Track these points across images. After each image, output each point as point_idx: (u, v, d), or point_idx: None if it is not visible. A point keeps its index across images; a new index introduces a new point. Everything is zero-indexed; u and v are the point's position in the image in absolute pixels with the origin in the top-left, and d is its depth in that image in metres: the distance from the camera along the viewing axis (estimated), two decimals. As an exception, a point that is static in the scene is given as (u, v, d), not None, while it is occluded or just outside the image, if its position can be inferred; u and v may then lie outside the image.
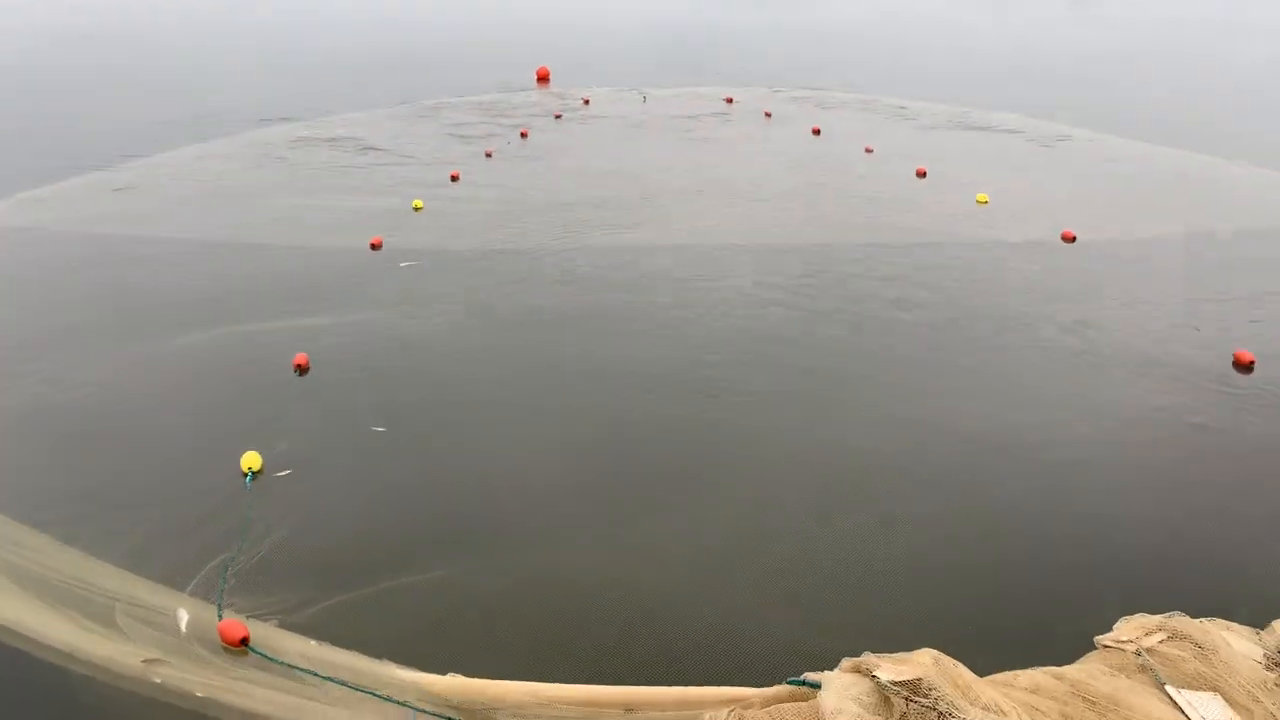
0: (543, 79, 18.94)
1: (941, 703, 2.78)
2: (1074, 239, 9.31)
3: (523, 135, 13.86)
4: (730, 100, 16.52)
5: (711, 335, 7.24)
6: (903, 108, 16.05)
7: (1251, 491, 5.23)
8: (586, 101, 16.44)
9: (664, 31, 28.68)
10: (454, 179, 11.49)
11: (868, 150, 12.98)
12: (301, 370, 6.62)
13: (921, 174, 11.72)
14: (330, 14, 33.54)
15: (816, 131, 14.21)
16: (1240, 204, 10.80)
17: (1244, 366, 6.64)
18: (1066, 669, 3.15)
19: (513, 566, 4.67)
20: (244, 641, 4.09)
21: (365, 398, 6.29)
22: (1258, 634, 3.31)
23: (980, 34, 29.60)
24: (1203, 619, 3.32)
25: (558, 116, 15.23)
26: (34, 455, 5.66)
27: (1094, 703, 2.98)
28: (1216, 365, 6.70)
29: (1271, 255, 9.11)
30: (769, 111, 15.61)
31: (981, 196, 10.67)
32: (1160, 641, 3.19)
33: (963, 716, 2.73)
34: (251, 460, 5.40)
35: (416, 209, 10.28)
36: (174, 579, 4.50)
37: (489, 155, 12.70)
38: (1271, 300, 7.93)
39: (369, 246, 9.07)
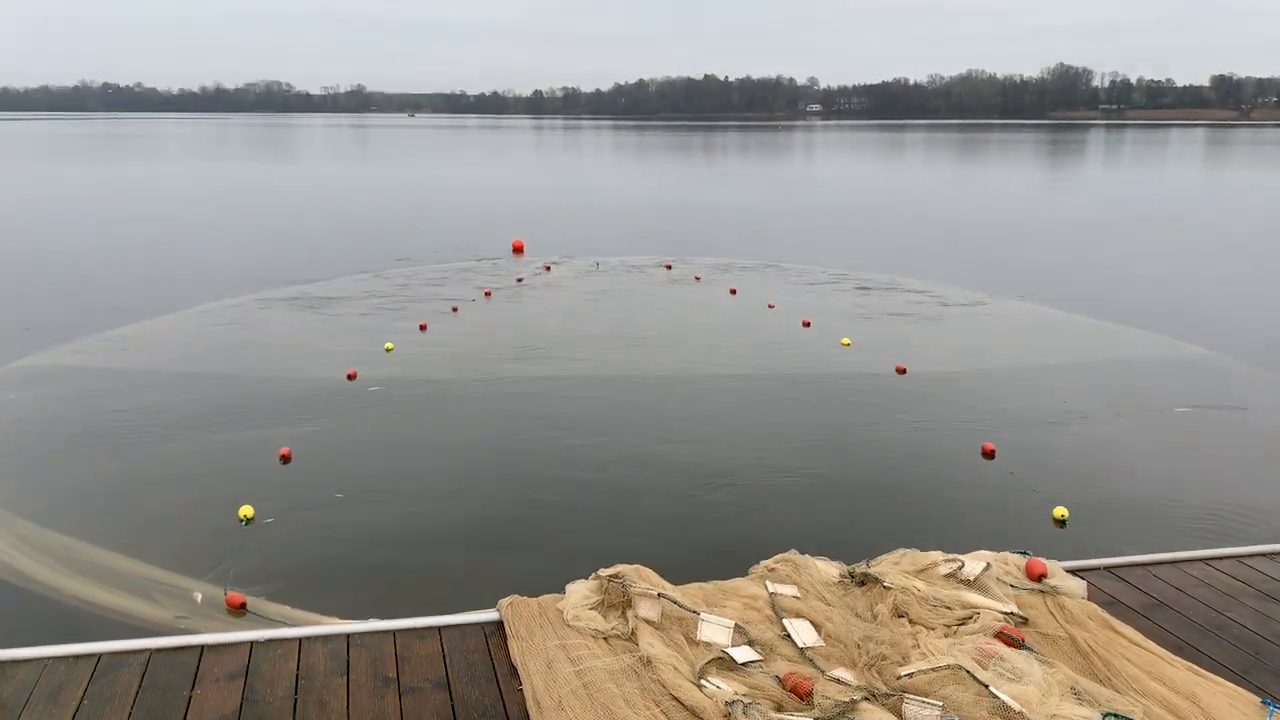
0: (518, 250, 21.82)
1: (626, 580, 4.98)
2: (904, 371, 11.72)
3: (486, 295, 16.49)
4: (669, 266, 19.36)
5: (605, 430, 9.55)
6: (813, 273, 18.82)
7: (906, 503, 7.46)
8: (548, 268, 19.22)
9: (623, 209, 32.15)
10: (422, 328, 13.99)
11: (770, 306, 15.61)
12: (286, 459, 8.88)
13: (806, 324, 14.26)
14: (319, 191, 37.23)
15: (733, 291, 16.90)
16: (1066, 345, 13.32)
17: (987, 454, 8.93)
18: (722, 582, 5.34)
19: (416, 572, 6.87)
20: (243, 605, 6.25)
21: (332, 477, 8.52)
22: (839, 564, 5.50)
23: (929, 209, 33.03)
24: (808, 555, 5.52)
25: (519, 280, 17.94)
26: (79, 513, 7.87)
27: (726, 592, 5.17)
28: (968, 453, 9.01)
29: (1059, 381, 11.51)
30: (699, 275, 18.40)
31: (845, 340, 13.18)
32: (777, 564, 5.40)
33: (631, 584, 4.92)
34: (246, 510, 7.63)
35: (388, 350, 12.72)
36: (188, 574, 6.67)
37: (455, 310, 15.26)
38: (1027, 415, 10.29)
39: (345, 377, 11.44)
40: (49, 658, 4.52)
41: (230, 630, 5.21)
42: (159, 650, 4.62)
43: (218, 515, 7.65)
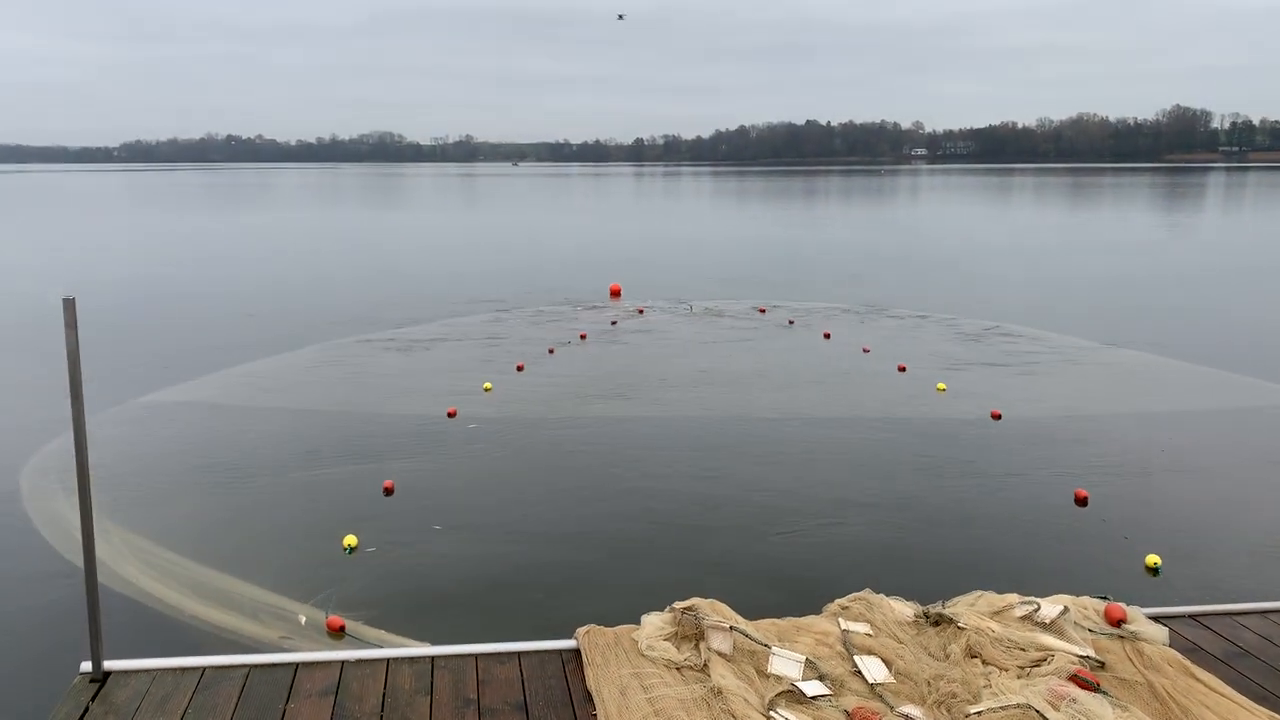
0: (615, 294, 22.21)
1: (699, 613, 5.11)
2: (1000, 416, 11.59)
3: (582, 337, 16.85)
4: (762, 310, 19.49)
5: (689, 469, 9.70)
6: (913, 318, 18.72)
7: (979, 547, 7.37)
8: (640, 311, 19.54)
9: (718, 253, 32.39)
10: (519, 369, 14.38)
11: (865, 350, 15.59)
12: (389, 492, 9.26)
13: (902, 369, 14.20)
14: (424, 237, 38.40)
15: (827, 336, 16.92)
16: (1175, 393, 13.03)
17: (1080, 501, 8.79)
18: (795, 618, 5.42)
19: (503, 600, 7.11)
20: (342, 628, 6.57)
21: (431, 509, 8.86)
22: (913, 604, 5.53)
23: (1037, 254, 32.49)
24: (882, 594, 5.56)
25: (614, 323, 18.28)
26: (196, 538, 8.34)
27: (799, 628, 5.25)
28: (1060, 499, 8.89)
29: (1163, 429, 11.24)
30: (792, 319, 18.48)
31: (940, 385, 13.08)
32: (851, 603, 5.46)
33: (704, 617, 5.05)
34: (350, 540, 8.00)
35: (486, 390, 13.12)
36: (294, 598, 7.04)
37: (551, 352, 15.65)
38: (1124, 462, 10.07)
39: (446, 414, 11.84)
40: (158, 669, 4.85)
41: (324, 650, 5.51)
42: (257, 666, 4.92)
43: (324, 544, 8.04)
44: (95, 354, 15.89)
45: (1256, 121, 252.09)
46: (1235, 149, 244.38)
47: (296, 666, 4.94)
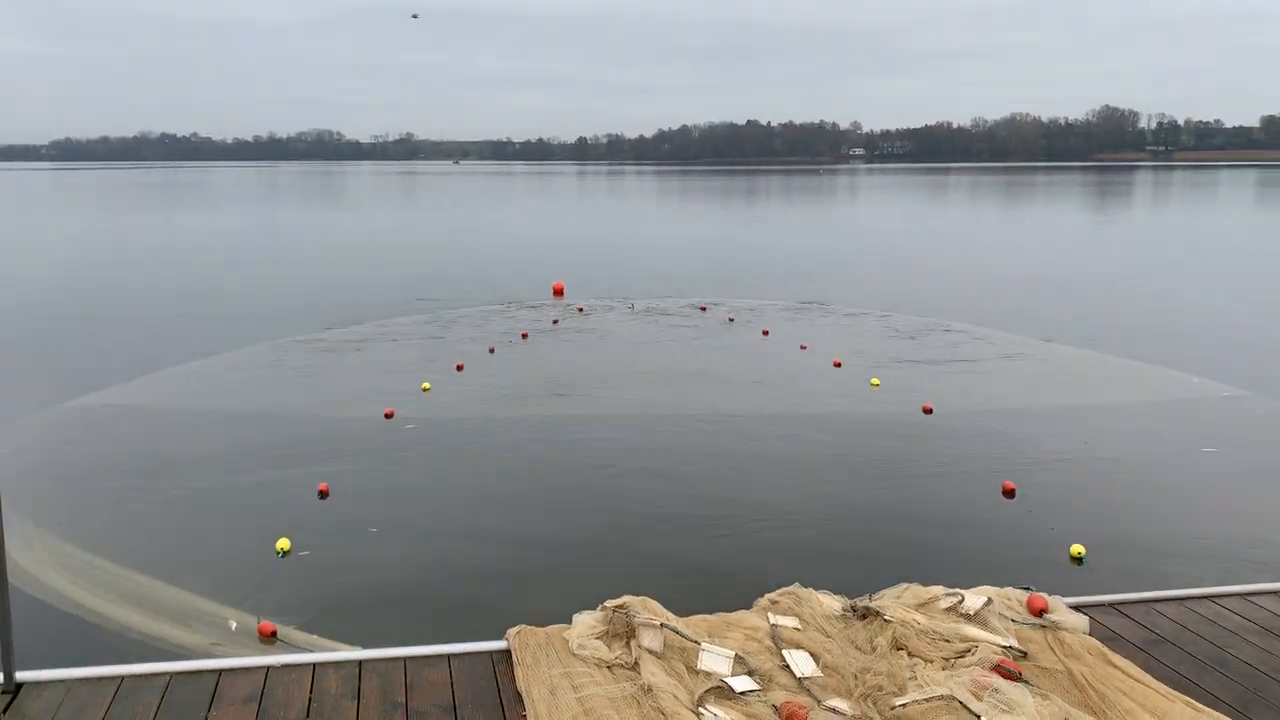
0: (558, 293, 22.14)
1: (631, 611, 5.12)
2: (931, 411, 11.77)
3: (523, 336, 16.79)
4: (703, 308, 19.57)
5: (623, 468, 9.72)
6: (850, 316, 18.94)
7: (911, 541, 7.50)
8: (581, 310, 19.52)
9: (660, 252, 32.50)
10: (459, 369, 14.28)
11: (802, 347, 15.73)
12: (323, 494, 9.14)
13: (837, 365, 14.36)
14: (362, 236, 38.04)
15: (766, 333, 17.06)
16: (1102, 387, 13.33)
17: (1008, 493, 8.97)
18: (726, 613, 5.46)
19: (438, 602, 7.06)
20: (273, 634, 6.47)
21: (367, 512, 8.76)
22: (842, 597, 5.60)
23: (971, 252, 33.02)
24: (810, 588, 5.63)
25: (555, 322, 18.24)
26: (125, 544, 8.16)
27: (729, 623, 5.29)
28: (988, 491, 9.05)
29: (1090, 422, 11.49)
30: (732, 317, 18.59)
31: (874, 380, 13.26)
32: (780, 597, 5.51)
33: (635, 615, 5.06)
34: (283, 543, 7.88)
35: (425, 390, 13.01)
36: (226, 603, 6.92)
37: (491, 351, 15.57)
38: (1052, 455, 10.29)
39: (383, 415, 11.72)
40: (74, 679, 4.74)
41: (248, 655, 5.43)
42: (179, 673, 4.83)
43: (256, 548, 7.91)
44: (22, 356, 15.51)
45: (1181, 122, 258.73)
46: (1161, 148, 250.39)
47: (220, 673, 4.86)
